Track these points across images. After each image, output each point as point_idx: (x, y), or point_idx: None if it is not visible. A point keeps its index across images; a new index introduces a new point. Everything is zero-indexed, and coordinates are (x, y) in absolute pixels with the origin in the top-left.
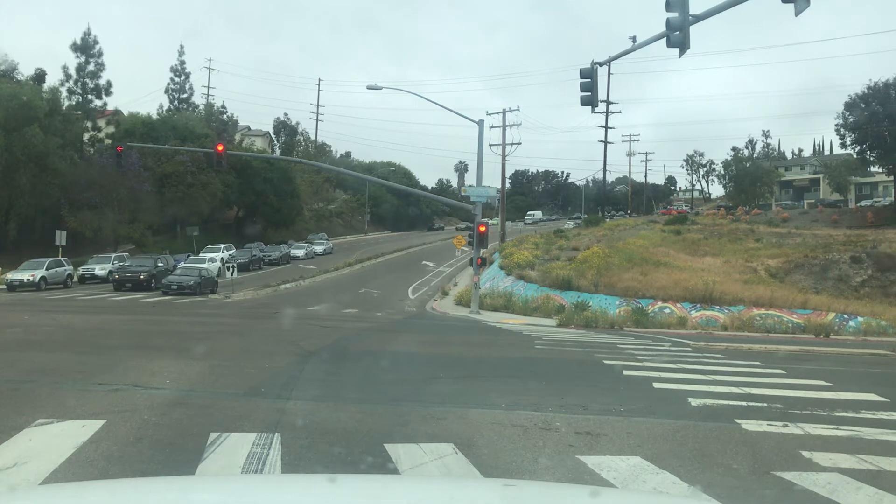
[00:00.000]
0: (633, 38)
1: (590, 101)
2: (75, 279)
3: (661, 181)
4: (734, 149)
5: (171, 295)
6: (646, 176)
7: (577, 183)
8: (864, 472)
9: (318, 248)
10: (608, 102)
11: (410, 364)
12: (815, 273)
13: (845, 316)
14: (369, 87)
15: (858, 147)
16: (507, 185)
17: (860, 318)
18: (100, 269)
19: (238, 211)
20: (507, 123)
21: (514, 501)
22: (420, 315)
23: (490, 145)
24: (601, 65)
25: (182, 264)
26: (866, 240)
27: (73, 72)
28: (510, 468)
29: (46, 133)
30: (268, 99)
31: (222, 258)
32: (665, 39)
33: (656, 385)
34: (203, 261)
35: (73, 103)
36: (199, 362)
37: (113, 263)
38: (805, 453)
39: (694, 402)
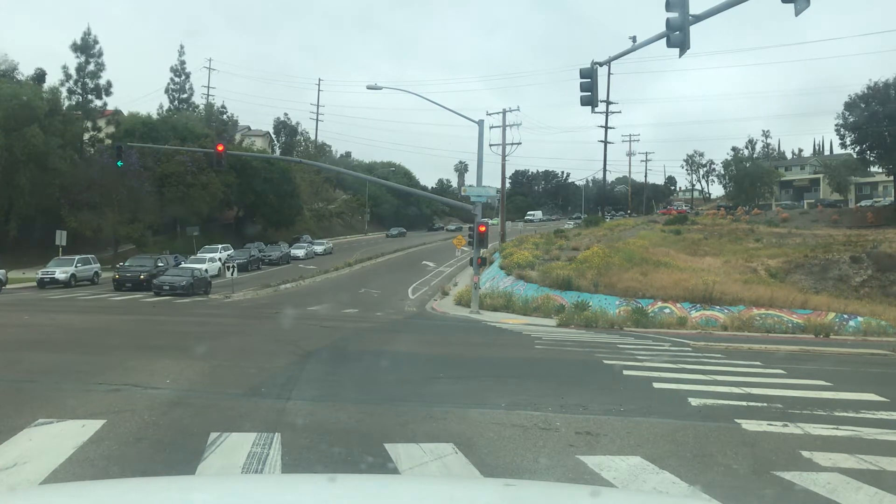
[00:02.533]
0: (633, 38)
1: (590, 101)
2: (7, 284)
3: (661, 181)
4: (734, 149)
5: (163, 295)
6: (646, 176)
7: (577, 183)
8: (864, 472)
9: (319, 248)
10: (608, 102)
11: (410, 364)
12: (815, 273)
13: (845, 316)
14: (369, 87)
15: (858, 147)
16: (507, 185)
17: (860, 318)
18: (61, 273)
19: (238, 211)
20: (506, 123)
21: (514, 501)
22: (420, 315)
23: (490, 145)
24: (601, 65)
25: (183, 265)
26: (866, 240)
27: (73, 72)
28: (510, 468)
29: (46, 133)
30: (268, 99)
31: (220, 258)
32: (665, 39)
33: (656, 385)
34: (203, 261)
35: (73, 103)
36: (199, 362)
37: (76, 266)
38: (805, 453)
39: (694, 402)
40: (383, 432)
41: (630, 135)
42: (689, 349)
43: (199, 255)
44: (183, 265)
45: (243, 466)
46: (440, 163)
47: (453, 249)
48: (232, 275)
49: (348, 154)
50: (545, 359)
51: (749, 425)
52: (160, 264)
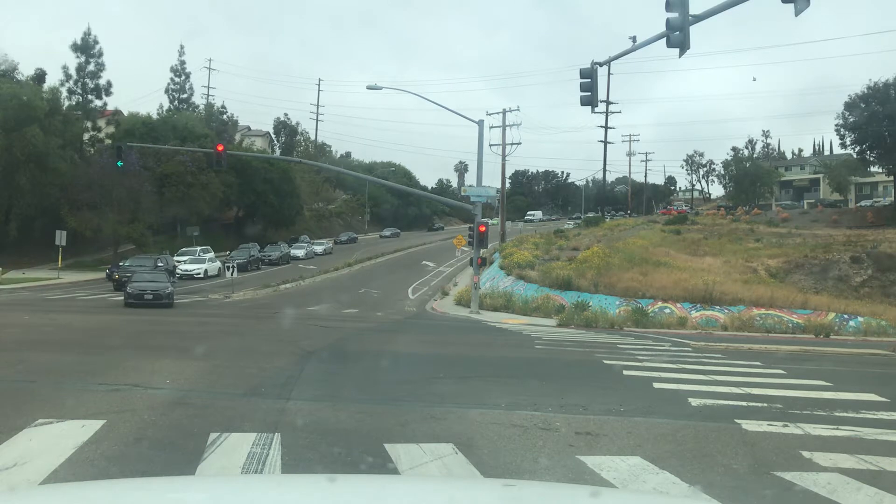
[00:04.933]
0: (633, 38)
1: (590, 101)
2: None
3: (661, 181)
4: (734, 149)
5: (141, 307)
6: (646, 176)
7: (577, 183)
8: (864, 472)
9: (318, 248)
10: (608, 102)
11: (410, 364)
12: (815, 273)
13: (845, 316)
14: (369, 87)
15: (858, 147)
16: (507, 185)
17: (860, 318)
18: None
19: (238, 211)
20: (507, 123)
21: (514, 501)
22: (420, 315)
23: (490, 145)
24: (601, 65)
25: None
26: (866, 240)
27: (73, 72)
28: (510, 468)
29: (46, 133)
30: (268, 99)
31: (207, 261)
32: (665, 39)
33: (656, 385)
34: (203, 261)
35: (74, 103)
36: (198, 362)
37: None
38: (805, 453)
39: (694, 402)
40: (383, 432)
41: (630, 135)
42: (689, 349)
43: (182, 258)
44: (156, 269)
45: (243, 467)
46: (440, 163)
47: (453, 249)
48: (232, 275)
49: (348, 154)
50: (545, 359)
51: (749, 425)
52: (160, 264)
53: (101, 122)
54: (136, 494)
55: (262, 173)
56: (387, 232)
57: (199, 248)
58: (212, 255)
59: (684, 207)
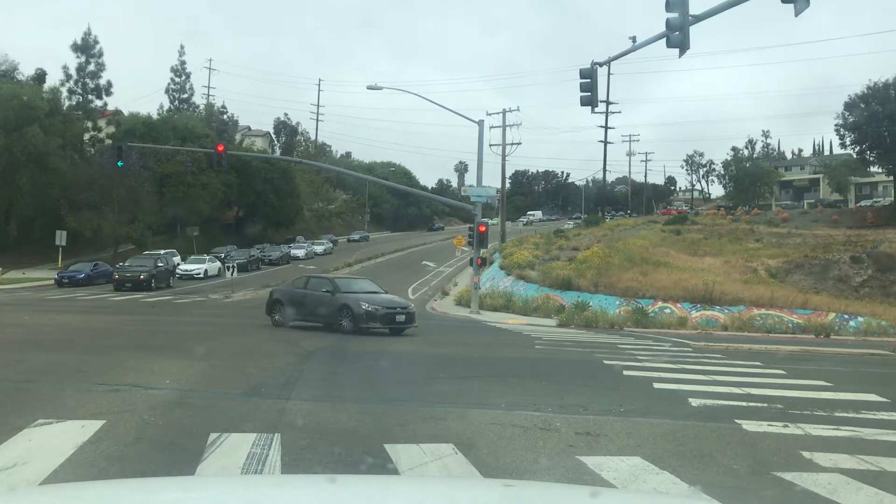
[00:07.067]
0: (633, 39)
1: (590, 101)
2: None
3: (661, 181)
4: (734, 149)
5: (376, 334)
6: (646, 176)
7: (577, 183)
8: (864, 472)
9: (318, 248)
10: (608, 102)
11: (410, 364)
12: (815, 273)
13: (845, 316)
14: (369, 88)
15: (858, 147)
16: (507, 185)
17: (860, 319)
18: None
19: (238, 211)
20: (507, 123)
21: (514, 501)
22: (420, 315)
23: (490, 145)
24: (601, 65)
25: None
26: (866, 240)
27: (73, 72)
28: (510, 468)
29: (46, 133)
30: (268, 99)
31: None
32: (665, 39)
33: (656, 385)
34: (203, 261)
35: (74, 103)
36: (198, 362)
37: None
38: (805, 454)
39: (694, 402)
40: (383, 433)
41: (630, 135)
42: (690, 349)
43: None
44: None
45: (243, 467)
46: (440, 163)
47: (453, 249)
48: (232, 275)
49: (348, 154)
50: (545, 359)
51: (749, 426)
52: (160, 264)
53: (102, 122)
54: (136, 494)
55: (262, 173)
56: (355, 236)
57: (162, 252)
58: (178, 258)
59: (684, 207)
